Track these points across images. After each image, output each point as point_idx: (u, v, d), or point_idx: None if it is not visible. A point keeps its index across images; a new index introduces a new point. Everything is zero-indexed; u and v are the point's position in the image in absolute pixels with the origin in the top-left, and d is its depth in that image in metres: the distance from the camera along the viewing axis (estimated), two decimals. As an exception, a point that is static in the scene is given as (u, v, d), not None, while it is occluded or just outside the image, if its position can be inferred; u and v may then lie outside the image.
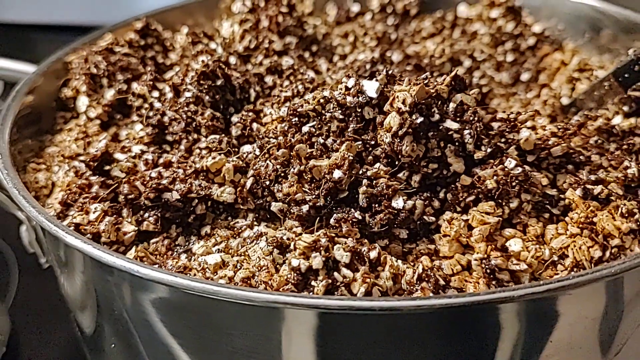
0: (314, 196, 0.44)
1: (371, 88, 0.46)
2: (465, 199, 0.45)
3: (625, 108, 0.59)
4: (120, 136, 0.63)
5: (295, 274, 0.40)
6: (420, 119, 0.43)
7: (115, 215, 0.47)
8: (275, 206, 0.45)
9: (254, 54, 0.68)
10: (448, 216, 0.45)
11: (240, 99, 0.59)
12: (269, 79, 0.63)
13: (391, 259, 0.41)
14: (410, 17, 0.83)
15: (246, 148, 0.52)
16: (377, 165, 0.46)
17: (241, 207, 0.50)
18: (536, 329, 0.41)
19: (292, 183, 0.45)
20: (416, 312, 0.37)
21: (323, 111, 0.48)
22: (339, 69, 0.68)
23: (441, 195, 0.46)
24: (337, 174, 0.44)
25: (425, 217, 0.45)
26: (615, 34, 0.73)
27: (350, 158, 0.44)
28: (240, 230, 0.49)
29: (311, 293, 0.39)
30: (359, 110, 0.46)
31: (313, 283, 0.39)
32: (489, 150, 0.44)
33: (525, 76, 0.71)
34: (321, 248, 0.40)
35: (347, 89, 0.48)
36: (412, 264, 0.43)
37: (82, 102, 0.65)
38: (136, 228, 0.47)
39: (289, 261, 0.40)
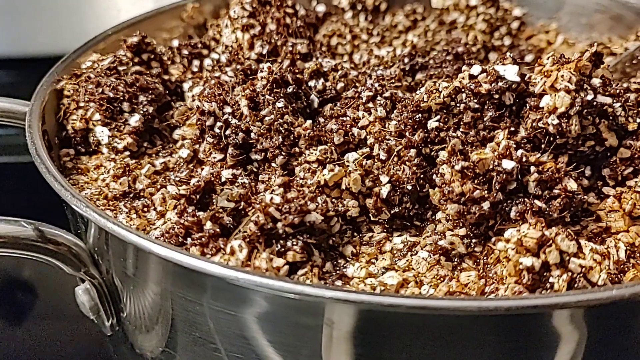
0: (488, 191, 0.41)
1: (511, 72, 0.44)
2: (623, 172, 0.44)
3: None
4: (156, 166, 0.54)
5: (530, 275, 0.36)
6: (590, 96, 0.42)
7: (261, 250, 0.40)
8: (452, 208, 0.41)
9: (276, 60, 0.62)
10: (612, 192, 0.44)
11: (305, 106, 0.54)
12: (312, 83, 0.58)
13: (586, 243, 0.40)
14: (382, 12, 0.82)
15: (352, 156, 0.47)
16: (519, 151, 0.44)
17: (372, 218, 0.46)
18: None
19: (461, 182, 0.41)
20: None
21: (452, 103, 0.45)
22: (372, 66, 0.65)
23: (587, 172, 0.45)
24: (508, 164, 0.41)
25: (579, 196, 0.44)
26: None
27: (514, 146, 0.42)
28: (380, 245, 0.45)
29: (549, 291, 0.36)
30: (497, 97, 0.44)
31: (552, 280, 0.36)
32: (638, 120, 0.44)
33: (529, 58, 0.73)
34: (550, 242, 0.37)
35: (471, 77, 0.45)
36: (602, 245, 0.42)
37: (102, 132, 0.55)
38: (284, 261, 0.40)
39: (516, 262, 0.37)
